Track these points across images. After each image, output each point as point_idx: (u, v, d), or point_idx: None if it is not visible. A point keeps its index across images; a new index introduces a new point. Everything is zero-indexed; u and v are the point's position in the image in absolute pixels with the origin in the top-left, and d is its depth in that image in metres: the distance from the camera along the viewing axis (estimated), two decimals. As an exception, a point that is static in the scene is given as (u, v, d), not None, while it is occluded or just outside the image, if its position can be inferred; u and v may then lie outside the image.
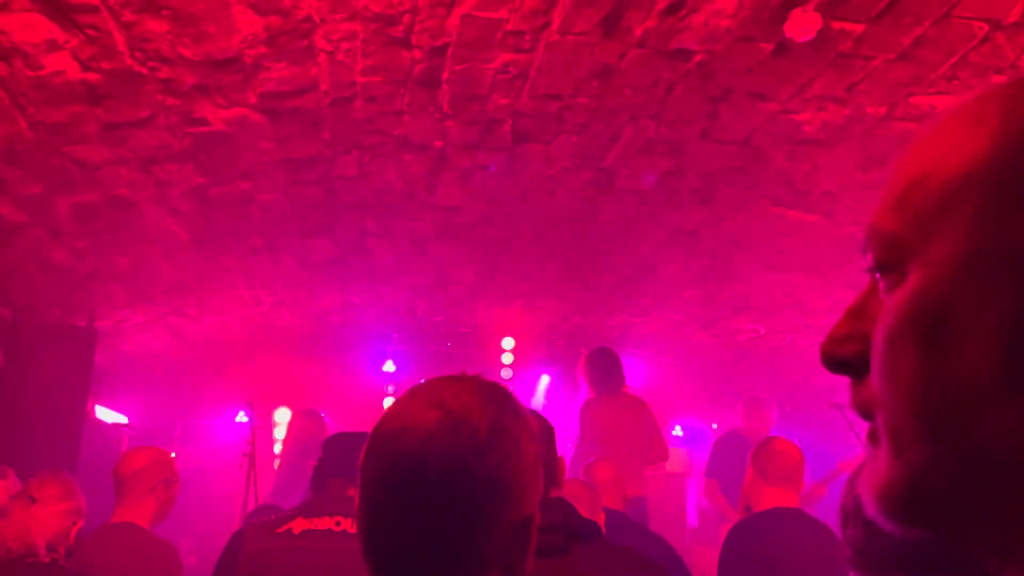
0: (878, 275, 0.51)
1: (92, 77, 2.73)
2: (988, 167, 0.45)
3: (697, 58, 3.01)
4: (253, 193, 3.91)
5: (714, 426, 7.65)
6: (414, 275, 5.78)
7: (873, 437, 0.50)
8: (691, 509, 6.76)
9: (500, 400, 0.96)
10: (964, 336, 0.44)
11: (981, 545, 0.46)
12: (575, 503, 1.83)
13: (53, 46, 2.55)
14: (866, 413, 0.51)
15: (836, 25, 2.74)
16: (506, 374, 7.46)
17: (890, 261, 0.50)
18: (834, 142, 3.53)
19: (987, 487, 0.44)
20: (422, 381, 1.01)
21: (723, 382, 7.43)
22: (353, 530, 2.43)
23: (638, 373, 7.56)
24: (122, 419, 6.37)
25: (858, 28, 2.77)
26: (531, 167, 4.03)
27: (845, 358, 0.53)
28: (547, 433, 1.79)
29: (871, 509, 0.49)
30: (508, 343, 7.54)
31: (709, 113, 3.42)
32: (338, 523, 2.41)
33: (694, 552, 5.76)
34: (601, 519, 2.56)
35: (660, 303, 6.14)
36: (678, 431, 7.71)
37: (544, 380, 7.54)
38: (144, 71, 2.76)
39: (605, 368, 4.98)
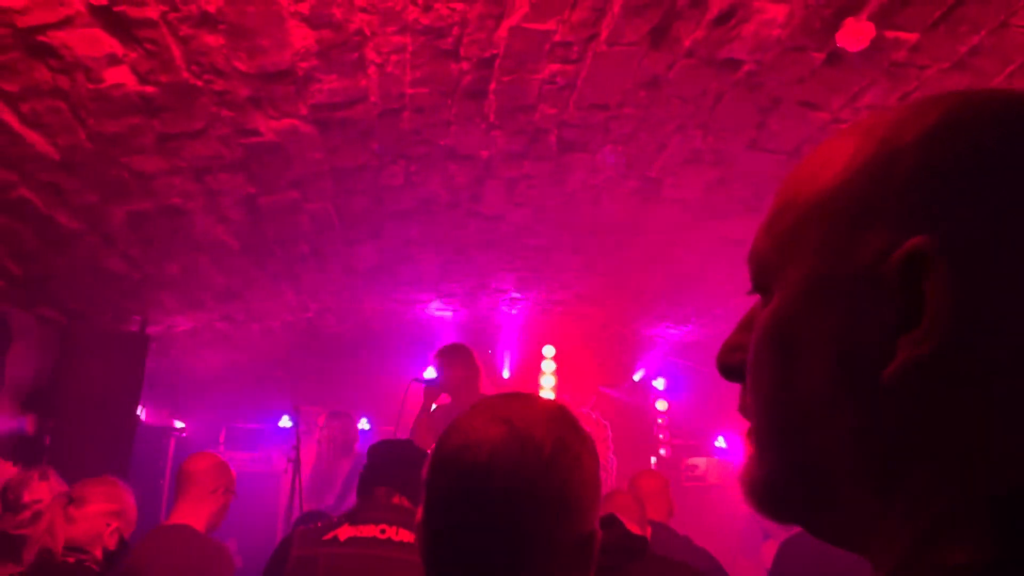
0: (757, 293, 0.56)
1: (149, 90, 2.80)
2: (832, 197, 0.50)
3: (746, 68, 2.99)
4: (302, 202, 3.96)
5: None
6: (456, 282, 5.81)
7: (748, 436, 0.56)
8: (733, 522, 6.67)
9: (561, 418, 0.97)
10: (804, 355, 0.49)
11: (832, 539, 0.52)
12: (622, 515, 1.83)
13: (113, 60, 2.61)
14: (745, 415, 0.56)
15: (890, 34, 2.70)
16: (546, 382, 7.46)
17: (761, 281, 0.56)
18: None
19: (820, 492, 0.49)
20: (487, 398, 1.02)
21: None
22: (398, 537, 2.45)
23: (680, 382, 7.51)
24: (171, 423, 6.50)
25: (912, 37, 2.72)
26: (576, 176, 4.03)
27: (731, 365, 0.58)
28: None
29: (746, 501, 0.55)
30: (548, 351, 7.54)
31: (758, 123, 3.39)
32: (383, 531, 2.44)
33: (736, 565, 5.70)
34: (648, 532, 2.55)
35: (704, 312, 6.09)
36: (721, 442, 7.63)
37: None
38: (199, 84, 2.81)
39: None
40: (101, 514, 2.40)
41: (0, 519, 2.84)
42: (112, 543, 2.40)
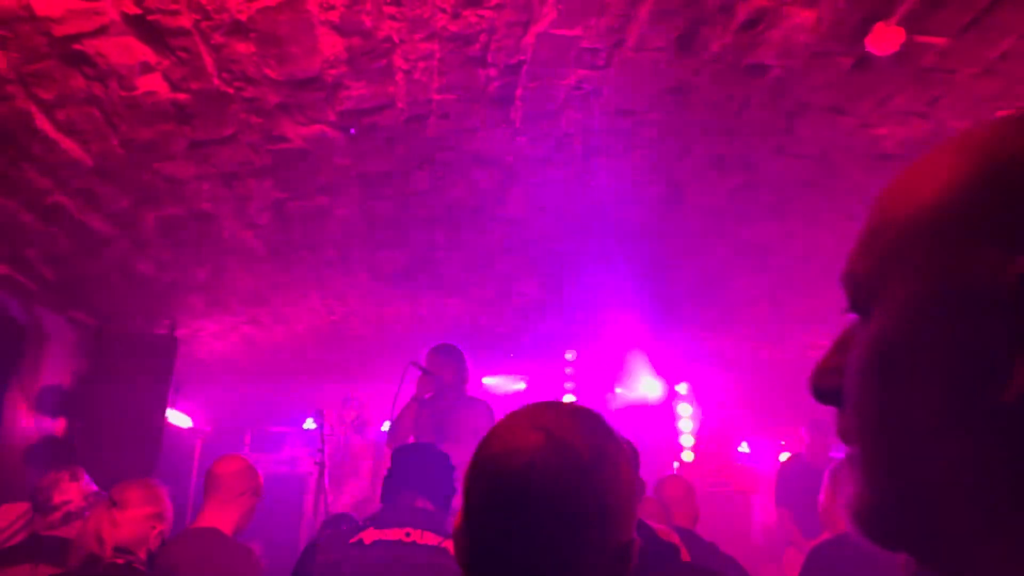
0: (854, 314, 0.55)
1: (181, 97, 2.84)
2: (936, 214, 0.49)
3: (773, 73, 2.98)
4: (329, 207, 4.00)
5: (782, 443, 7.50)
6: (479, 287, 5.83)
7: (851, 461, 0.54)
8: (757, 527, 6.64)
9: (597, 425, 0.98)
10: (912, 378, 0.47)
11: (944, 569, 0.49)
12: (649, 522, 1.83)
13: (146, 68, 2.66)
14: (846, 439, 0.54)
15: (920, 39, 2.68)
16: (568, 385, 7.46)
17: (859, 301, 0.54)
18: (914, 157, 3.42)
19: (934, 520, 0.47)
20: (522, 407, 1.03)
21: (792, 399, 7.27)
22: (423, 540, 2.47)
23: (704, 388, 7.47)
24: (198, 426, 6.56)
25: (942, 42, 2.70)
26: (601, 181, 4.03)
27: (827, 389, 0.57)
28: (635, 457, 1.79)
29: (851, 527, 0.53)
30: (570, 355, 7.54)
31: (784, 128, 3.38)
32: (408, 534, 2.46)
33: (760, 571, 5.66)
34: (675, 539, 2.54)
35: (727, 318, 6.06)
36: (745, 448, 7.58)
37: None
38: (230, 91, 2.85)
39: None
40: (145, 517, 2.44)
41: (32, 520, 2.89)
42: (155, 545, 2.44)
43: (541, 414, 0.98)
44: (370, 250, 4.76)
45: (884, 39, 2.60)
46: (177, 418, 6.22)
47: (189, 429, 6.53)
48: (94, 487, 2.95)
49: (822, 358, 0.57)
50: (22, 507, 3.18)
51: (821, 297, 5.25)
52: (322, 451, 4.57)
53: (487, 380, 7.67)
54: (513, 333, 7.10)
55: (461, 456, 4.39)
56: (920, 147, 3.37)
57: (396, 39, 2.72)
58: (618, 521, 0.94)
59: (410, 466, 2.67)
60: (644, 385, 7.40)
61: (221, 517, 2.85)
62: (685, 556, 2.42)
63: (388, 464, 5.94)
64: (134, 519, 2.43)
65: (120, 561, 2.27)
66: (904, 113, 3.15)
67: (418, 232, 4.62)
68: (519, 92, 3.14)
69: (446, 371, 4.47)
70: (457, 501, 2.96)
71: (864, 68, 2.88)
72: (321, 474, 4.46)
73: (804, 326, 5.88)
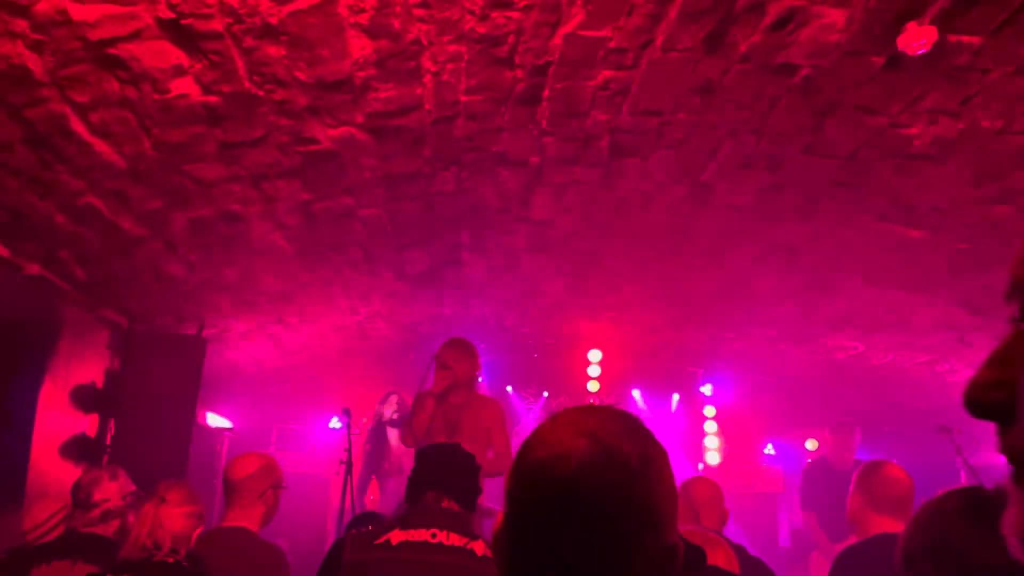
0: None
1: (213, 100, 2.87)
2: None
3: (803, 72, 2.96)
4: (355, 208, 4.03)
5: (809, 445, 7.44)
6: (504, 287, 5.84)
7: (1018, 481, 0.51)
8: (783, 529, 6.59)
9: (640, 429, 0.98)
10: None
11: None
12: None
13: (179, 71, 2.69)
14: (1017, 459, 0.51)
15: (953, 38, 2.65)
16: (592, 387, 7.45)
17: None
18: (945, 156, 3.41)
19: None
20: (563, 411, 1.03)
21: (818, 401, 7.21)
22: (448, 541, 2.47)
23: (729, 389, 7.44)
24: (225, 423, 6.63)
25: (976, 40, 2.67)
26: (626, 182, 4.02)
27: (992, 404, 0.52)
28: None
29: (1018, 552, 0.49)
30: (595, 355, 7.53)
31: (813, 127, 3.35)
32: (434, 535, 2.47)
33: (787, 573, 5.62)
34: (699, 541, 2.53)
35: (754, 319, 6.02)
36: (770, 450, 7.53)
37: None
38: (261, 93, 2.88)
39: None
40: (189, 515, 2.49)
41: (69, 517, 2.94)
42: (193, 543, 2.49)
43: (585, 419, 0.98)
44: (395, 250, 4.79)
45: (917, 38, 2.57)
46: (213, 419, 6.28)
47: (216, 427, 6.60)
48: (132, 487, 2.99)
49: (980, 371, 0.53)
50: (56, 505, 3.24)
51: (851, 297, 5.20)
52: (348, 450, 4.59)
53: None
54: (537, 333, 7.11)
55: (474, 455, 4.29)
56: (951, 147, 3.33)
57: (425, 41, 2.73)
58: (664, 524, 0.94)
59: (435, 466, 2.67)
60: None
61: (246, 516, 2.88)
62: (712, 559, 2.40)
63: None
64: (179, 517, 2.48)
65: (171, 560, 2.31)
66: (936, 112, 3.12)
67: (443, 232, 4.64)
68: (546, 93, 3.14)
69: (461, 365, 4.42)
70: (484, 500, 2.97)
71: (895, 67, 2.85)
72: (348, 473, 4.47)
73: (831, 328, 5.83)
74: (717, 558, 2.15)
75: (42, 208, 3.26)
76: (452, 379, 4.38)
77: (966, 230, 3.99)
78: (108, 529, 2.82)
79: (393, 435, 6.02)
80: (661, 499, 0.94)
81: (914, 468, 3.04)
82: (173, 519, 2.43)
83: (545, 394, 7.56)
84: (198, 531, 2.52)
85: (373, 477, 6.28)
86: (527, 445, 0.99)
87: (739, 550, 3.03)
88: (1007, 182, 3.51)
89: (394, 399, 6.09)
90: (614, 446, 0.93)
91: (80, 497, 2.91)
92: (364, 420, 6.37)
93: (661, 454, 0.97)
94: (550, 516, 0.92)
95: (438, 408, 4.40)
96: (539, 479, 0.93)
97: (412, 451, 6.02)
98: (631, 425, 0.98)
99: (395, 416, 6.03)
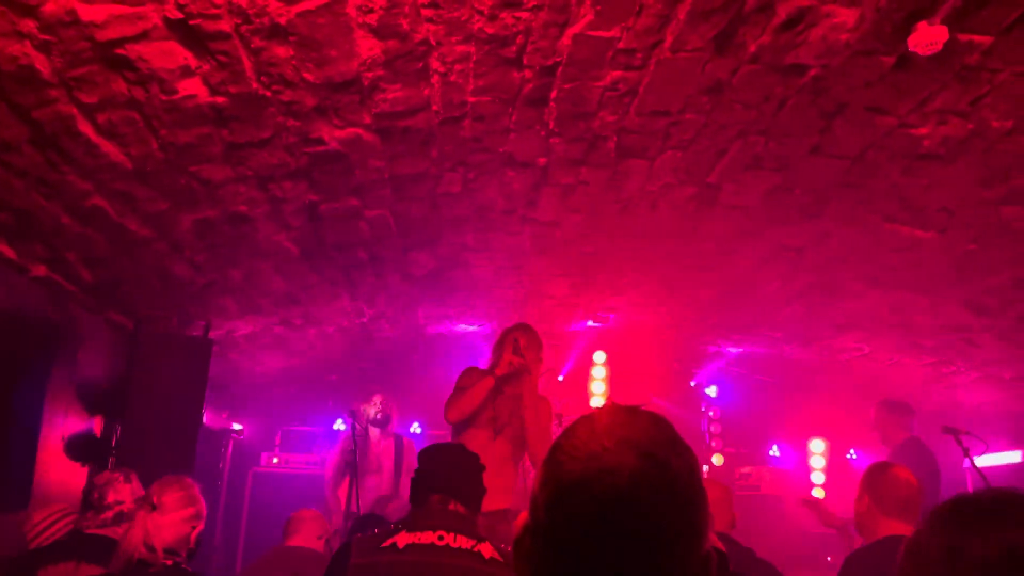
0: None
1: (220, 100, 2.86)
2: None
3: (812, 73, 2.95)
4: (361, 209, 4.02)
5: (813, 447, 7.41)
6: (509, 288, 5.83)
7: None
8: (790, 531, 6.56)
9: (678, 438, 0.96)
10: None
11: None
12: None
13: (187, 72, 2.68)
14: None
15: (963, 37, 2.64)
16: (597, 388, 7.44)
17: None
18: (954, 157, 3.39)
19: None
20: (593, 413, 1.00)
21: (824, 402, 7.19)
22: (455, 544, 2.46)
23: (734, 390, 7.42)
24: (229, 425, 6.62)
25: (986, 40, 2.66)
26: (633, 183, 4.01)
27: None
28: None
29: None
30: (599, 357, 7.51)
31: (822, 128, 3.34)
32: (441, 537, 2.45)
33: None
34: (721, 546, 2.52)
35: (760, 319, 6.01)
36: (775, 451, 7.51)
37: None
38: (268, 94, 2.87)
39: None
40: (186, 519, 2.47)
41: (81, 518, 2.93)
42: (194, 543, 2.47)
43: (625, 427, 0.95)
44: (401, 252, 4.78)
45: (927, 38, 2.56)
46: (209, 418, 6.26)
47: (221, 429, 6.59)
48: (143, 491, 2.98)
49: None
50: (56, 506, 3.23)
51: (857, 299, 5.18)
52: (354, 452, 4.58)
53: None
54: (542, 334, 7.09)
55: (510, 451, 4.15)
56: (960, 147, 3.32)
57: (433, 41, 2.72)
58: (703, 536, 0.93)
59: (440, 468, 2.65)
60: None
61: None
62: (731, 564, 2.39)
63: (408, 461, 5.87)
64: (175, 522, 2.46)
65: (169, 563, 2.30)
66: (945, 112, 3.10)
67: (449, 234, 4.63)
68: (554, 94, 3.14)
69: (529, 354, 4.04)
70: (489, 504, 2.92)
71: (905, 67, 2.84)
72: (354, 474, 4.46)
73: (838, 329, 5.82)
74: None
75: (49, 209, 3.26)
76: (520, 366, 4.00)
77: (974, 231, 3.97)
78: (118, 531, 2.81)
79: (374, 433, 5.97)
80: (702, 509, 0.93)
81: (920, 470, 3.04)
82: (169, 524, 2.41)
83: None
84: (196, 531, 2.50)
85: (347, 474, 6.24)
86: (562, 452, 0.95)
87: (748, 553, 3.02)
88: (1016, 182, 3.50)
89: (378, 398, 6.04)
90: (663, 459, 0.91)
91: (94, 499, 2.90)
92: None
93: (697, 464, 0.96)
94: (596, 530, 0.89)
95: (491, 393, 3.99)
96: (584, 492, 0.90)
97: (391, 452, 6.01)
98: (671, 435, 0.96)
99: (378, 416, 5.97)
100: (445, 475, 2.63)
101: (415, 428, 7.39)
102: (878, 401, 5.23)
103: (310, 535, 3.50)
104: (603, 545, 0.89)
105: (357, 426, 4.83)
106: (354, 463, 4.55)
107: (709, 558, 0.93)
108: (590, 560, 0.89)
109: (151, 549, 2.32)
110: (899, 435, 5.06)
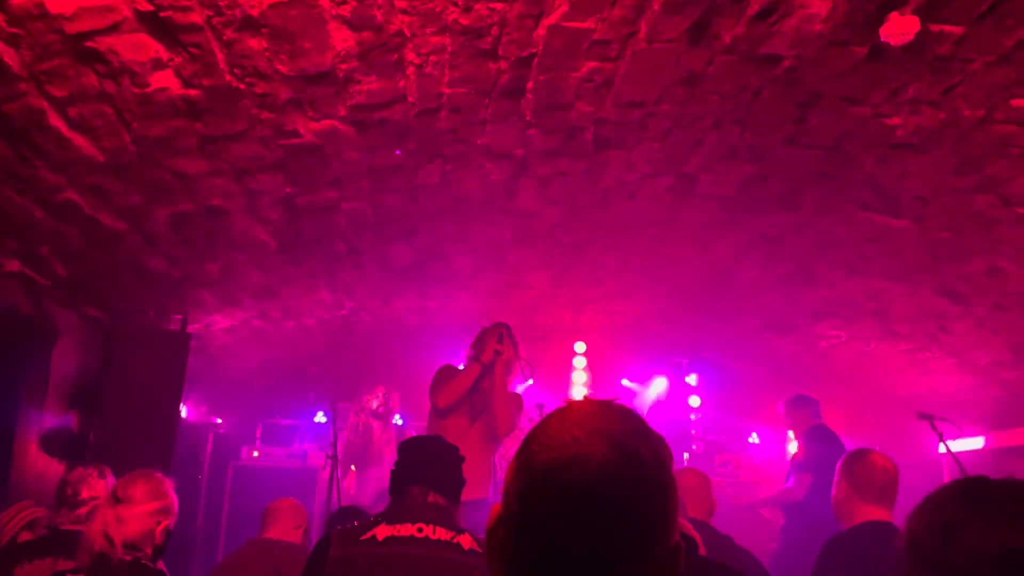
0: None
1: (193, 93, 2.84)
2: None
3: (786, 63, 2.96)
4: (339, 201, 4.00)
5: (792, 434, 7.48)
6: (489, 280, 5.83)
7: None
8: (768, 519, 6.61)
9: (648, 429, 0.97)
10: None
11: None
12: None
13: (158, 64, 2.65)
14: None
15: (935, 28, 2.66)
16: (578, 377, 7.47)
17: None
18: (927, 146, 3.43)
19: None
20: (566, 406, 1.01)
21: (802, 390, 7.25)
22: (435, 536, 2.46)
23: (714, 379, 7.46)
24: (210, 419, 6.59)
25: (957, 30, 2.68)
26: (611, 173, 4.02)
27: None
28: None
29: None
30: (580, 347, 7.54)
31: (796, 118, 3.36)
32: (420, 529, 2.45)
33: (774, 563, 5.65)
34: (692, 532, 2.54)
35: (738, 308, 6.05)
36: (755, 439, 7.58)
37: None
38: (242, 87, 2.85)
39: None
40: (150, 513, 2.41)
41: (56, 514, 2.90)
42: (160, 539, 2.43)
43: (596, 418, 0.96)
44: (379, 244, 4.76)
45: (899, 28, 2.58)
46: (189, 412, 6.24)
47: (201, 423, 6.56)
48: None
49: None
50: (25, 503, 3.20)
51: (834, 287, 5.23)
52: (334, 445, 4.57)
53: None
54: (523, 326, 7.10)
55: (486, 441, 4.22)
56: (933, 137, 3.35)
57: (407, 33, 2.71)
58: (672, 524, 0.93)
59: (419, 460, 2.65)
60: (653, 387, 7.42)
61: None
62: (702, 550, 2.42)
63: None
64: (139, 515, 2.40)
65: (128, 558, 2.27)
66: (918, 102, 3.13)
67: (427, 225, 4.62)
68: (530, 85, 3.13)
69: (508, 351, 4.18)
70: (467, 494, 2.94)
71: (878, 57, 2.86)
72: (334, 468, 4.46)
73: (815, 317, 5.87)
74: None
75: (21, 204, 3.22)
76: (505, 357, 4.14)
77: (948, 219, 4.02)
78: (92, 529, 2.78)
79: (376, 426, 5.99)
80: (672, 500, 0.93)
81: (894, 454, 3.08)
82: (133, 518, 2.37)
83: (530, 381, 7.54)
84: (161, 526, 2.45)
85: (352, 467, 6.26)
86: (535, 443, 0.96)
87: (726, 540, 3.05)
88: (988, 171, 3.53)
89: (381, 391, 6.06)
90: (631, 448, 0.92)
91: (67, 495, 2.88)
92: (356, 411, 6.34)
93: (669, 454, 0.96)
94: (565, 519, 0.89)
95: (478, 379, 4.11)
96: (554, 481, 0.91)
97: (393, 444, 6.02)
98: (641, 425, 0.96)
99: (380, 409, 5.99)
100: (424, 467, 2.63)
101: (396, 420, 7.38)
102: (784, 399, 5.70)
103: (287, 526, 3.48)
104: (573, 533, 0.89)
105: (337, 419, 4.82)
106: (334, 456, 4.54)
107: (677, 548, 0.94)
108: (560, 549, 0.90)
109: (110, 541, 2.27)
110: (807, 423, 5.43)
